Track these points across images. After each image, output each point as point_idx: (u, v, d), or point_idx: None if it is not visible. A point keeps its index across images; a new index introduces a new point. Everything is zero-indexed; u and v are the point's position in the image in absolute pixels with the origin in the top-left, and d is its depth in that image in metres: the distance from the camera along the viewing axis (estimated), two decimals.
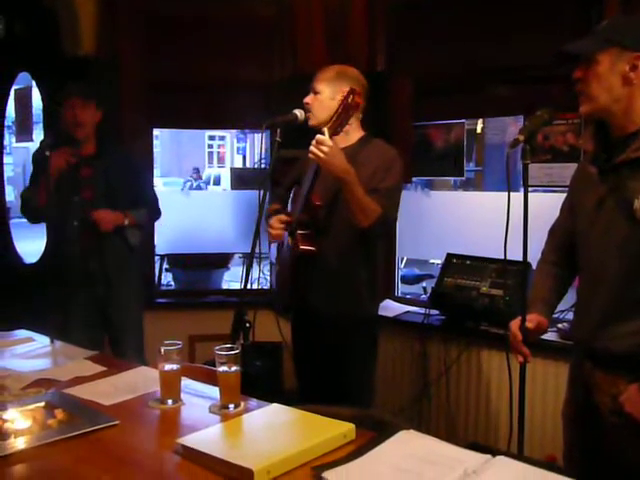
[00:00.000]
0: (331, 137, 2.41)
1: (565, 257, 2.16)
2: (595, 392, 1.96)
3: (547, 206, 2.39)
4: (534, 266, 2.31)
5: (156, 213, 3.60)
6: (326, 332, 2.71)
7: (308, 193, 2.60)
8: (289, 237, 2.73)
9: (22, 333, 2.64)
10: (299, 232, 2.63)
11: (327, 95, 2.66)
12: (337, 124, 2.42)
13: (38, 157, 3.41)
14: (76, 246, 3.29)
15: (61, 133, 3.36)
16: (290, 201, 2.88)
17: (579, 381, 2.05)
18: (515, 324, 2.11)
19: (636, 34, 1.85)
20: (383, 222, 2.57)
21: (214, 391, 1.84)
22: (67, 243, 3.31)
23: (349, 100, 2.39)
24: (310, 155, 2.42)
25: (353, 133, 2.69)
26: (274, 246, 2.94)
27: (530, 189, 2.03)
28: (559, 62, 1.99)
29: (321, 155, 2.38)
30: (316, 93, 2.69)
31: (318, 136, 2.40)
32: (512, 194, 2.01)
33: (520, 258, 2.07)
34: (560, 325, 3.11)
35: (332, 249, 2.64)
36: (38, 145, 3.50)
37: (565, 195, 2.21)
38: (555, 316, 3.05)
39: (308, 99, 2.70)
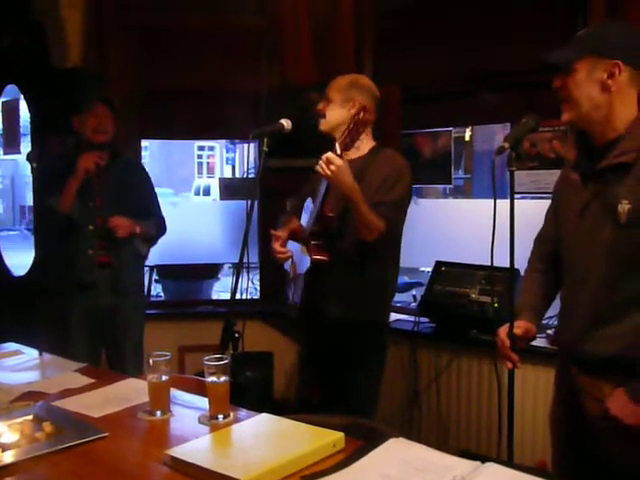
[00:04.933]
0: (342, 152, 2.49)
1: (552, 264, 2.17)
2: (581, 397, 1.98)
3: (534, 213, 2.40)
4: (522, 272, 2.32)
5: (163, 228, 3.57)
6: (337, 337, 2.78)
7: (321, 205, 2.68)
8: (303, 247, 2.80)
9: (10, 346, 2.62)
10: (312, 242, 2.71)
11: (337, 103, 2.77)
12: (348, 140, 2.50)
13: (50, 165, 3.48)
14: (90, 251, 3.28)
15: (81, 140, 3.37)
16: (303, 212, 2.94)
17: (565, 386, 2.07)
18: (503, 331, 2.12)
19: (611, 42, 1.89)
20: (386, 236, 2.64)
21: (203, 402, 1.84)
22: (79, 248, 3.29)
23: (359, 117, 2.47)
24: (318, 170, 2.50)
25: (364, 145, 2.78)
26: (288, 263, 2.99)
27: (517, 196, 2.04)
28: (546, 70, 2.02)
29: (329, 173, 2.47)
30: (328, 101, 2.80)
31: (329, 154, 2.48)
32: (500, 201, 2.02)
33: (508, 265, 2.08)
34: (549, 331, 3.12)
35: (343, 257, 2.71)
36: (26, 157, 3.51)
37: (550, 203, 2.23)
38: (544, 322, 3.06)
39: (320, 106, 2.82)
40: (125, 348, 3.40)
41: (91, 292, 3.31)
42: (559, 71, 1.94)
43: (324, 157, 2.48)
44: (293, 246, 2.89)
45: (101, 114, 3.34)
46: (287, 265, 2.95)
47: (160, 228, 3.55)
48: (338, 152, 2.48)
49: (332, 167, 2.45)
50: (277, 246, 2.84)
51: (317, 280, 2.74)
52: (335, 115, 2.76)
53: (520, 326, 2.11)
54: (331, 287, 2.74)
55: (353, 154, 2.66)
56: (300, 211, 2.97)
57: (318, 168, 2.49)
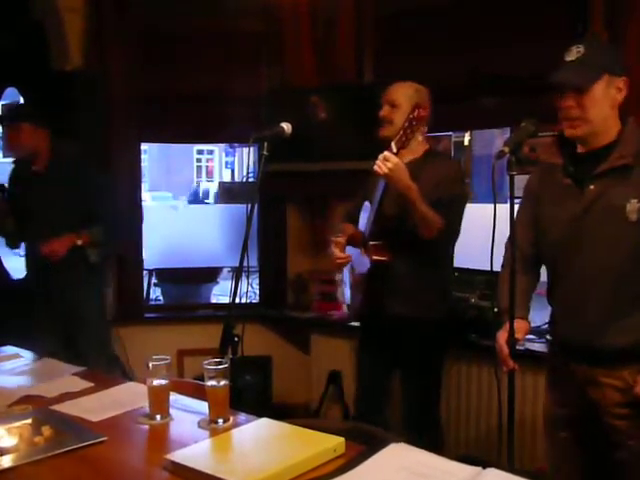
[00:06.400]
0: (398, 151, 2.53)
1: (530, 266, 2.27)
2: (593, 390, 2.04)
3: None
4: None
5: (119, 231, 3.51)
6: (398, 334, 2.83)
7: (379, 205, 2.72)
8: (362, 249, 2.83)
9: (9, 349, 2.61)
10: (371, 243, 2.75)
11: (405, 108, 2.76)
12: (404, 139, 2.54)
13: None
14: (38, 262, 3.39)
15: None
16: (362, 213, 2.97)
17: (571, 383, 2.12)
18: (502, 337, 2.14)
19: (617, 60, 2.03)
20: (444, 234, 2.67)
21: (203, 406, 1.83)
22: (32, 259, 3.48)
23: (415, 114, 2.52)
24: (376, 169, 2.54)
25: (418, 146, 2.81)
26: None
27: (517, 200, 2.05)
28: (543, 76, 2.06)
29: (386, 171, 2.51)
30: (394, 106, 2.80)
31: (385, 153, 2.53)
32: (499, 205, 2.03)
33: None
34: (549, 337, 3.11)
35: (403, 256, 2.74)
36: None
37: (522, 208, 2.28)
38: (545, 327, 3.06)
39: (385, 112, 2.81)
40: (87, 351, 3.40)
41: (45, 300, 3.45)
42: (568, 90, 1.99)
43: (381, 156, 2.53)
44: (350, 250, 2.93)
45: (18, 129, 3.36)
46: (346, 270, 2.99)
47: (115, 232, 3.47)
48: (394, 150, 2.53)
49: (389, 164, 2.49)
50: (337, 252, 2.90)
51: (378, 280, 2.79)
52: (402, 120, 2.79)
53: (520, 329, 2.14)
54: (392, 286, 2.78)
55: (407, 156, 2.68)
56: (355, 216, 3.01)
57: (375, 167, 2.54)
